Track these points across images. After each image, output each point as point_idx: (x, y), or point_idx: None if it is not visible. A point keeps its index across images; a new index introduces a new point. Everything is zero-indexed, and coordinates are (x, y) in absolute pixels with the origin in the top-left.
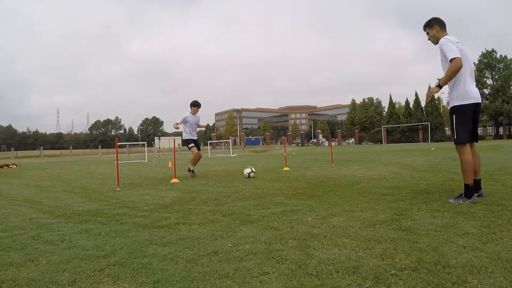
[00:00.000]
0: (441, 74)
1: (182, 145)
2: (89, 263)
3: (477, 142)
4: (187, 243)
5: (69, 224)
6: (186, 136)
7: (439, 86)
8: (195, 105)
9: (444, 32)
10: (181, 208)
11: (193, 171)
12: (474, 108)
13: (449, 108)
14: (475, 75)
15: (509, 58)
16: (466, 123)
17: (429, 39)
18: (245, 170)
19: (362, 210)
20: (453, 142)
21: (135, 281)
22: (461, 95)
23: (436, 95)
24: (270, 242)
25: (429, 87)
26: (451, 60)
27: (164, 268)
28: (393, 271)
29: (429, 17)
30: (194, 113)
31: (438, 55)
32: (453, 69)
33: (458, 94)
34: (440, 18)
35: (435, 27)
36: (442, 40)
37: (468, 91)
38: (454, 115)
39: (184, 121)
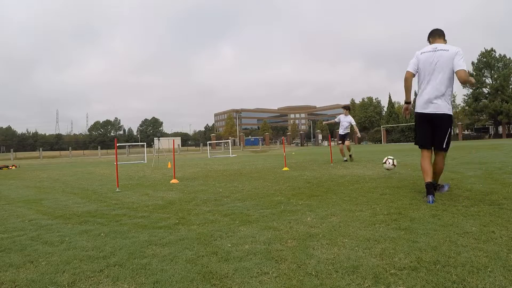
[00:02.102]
0: None
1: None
2: (89, 264)
3: (443, 151)
4: (187, 243)
5: (68, 225)
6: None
7: (406, 102)
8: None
9: (435, 40)
10: (180, 208)
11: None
12: (426, 117)
13: None
14: (460, 76)
15: (508, 57)
16: (418, 129)
17: None
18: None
19: (361, 210)
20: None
21: (134, 281)
22: (417, 102)
23: None
24: (269, 242)
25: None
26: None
27: (163, 268)
28: (392, 271)
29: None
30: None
31: None
32: (404, 82)
33: (417, 104)
34: (434, 29)
35: (429, 40)
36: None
37: (419, 101)
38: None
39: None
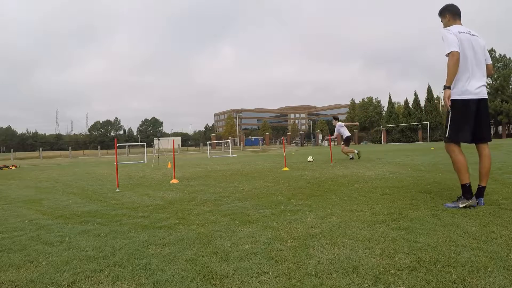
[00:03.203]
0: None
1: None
2: (89, 264)
3: (487, 141)
4: (187, 243)
5: (68, 225)
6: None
7: (447, 87)
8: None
9: (456, 21)
10: (180, 208)
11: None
12: (475, 105)
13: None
14: (490, 70)
15: (508, 57)
16: (461, 120)
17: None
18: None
19: (361, 210)
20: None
21: (134, 281)
22: (460, 89)
23: (435, 95)
24: (269, 242)
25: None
26: (448, 55)
27: (163, 268)
28: (392, 271)
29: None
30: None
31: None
32: (450, 64)
33: (458, 88)
34: (454, 5)
35: (446, 16)
36: (442, 31)
37: (470, 85)
38: (450, 111)
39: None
